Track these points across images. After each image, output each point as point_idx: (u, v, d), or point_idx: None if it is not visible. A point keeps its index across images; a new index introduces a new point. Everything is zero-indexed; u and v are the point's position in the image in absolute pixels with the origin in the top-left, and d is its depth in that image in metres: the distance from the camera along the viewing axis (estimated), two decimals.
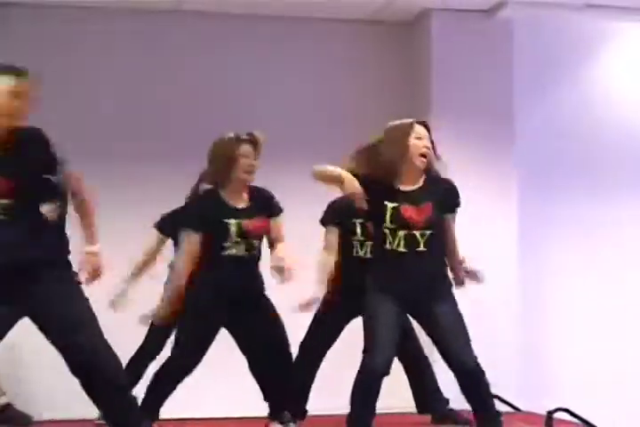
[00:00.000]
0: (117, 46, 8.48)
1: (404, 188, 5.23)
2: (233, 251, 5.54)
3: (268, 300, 5.75)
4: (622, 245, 8.58)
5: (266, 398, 5.77)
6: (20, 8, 8.14)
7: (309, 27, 8.52)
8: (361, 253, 6.25)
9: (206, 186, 5.95)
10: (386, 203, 5.15)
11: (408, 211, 5.14)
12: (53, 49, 8.25)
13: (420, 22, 8.39)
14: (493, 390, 5.54)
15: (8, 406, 7.04)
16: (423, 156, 5.16)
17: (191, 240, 5.58)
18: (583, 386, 7.80)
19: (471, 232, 6.90)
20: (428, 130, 5.27)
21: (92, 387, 4.76)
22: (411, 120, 5.26)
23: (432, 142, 5.25)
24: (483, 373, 5.14)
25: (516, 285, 8.12)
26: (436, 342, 5.28)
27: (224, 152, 5.70)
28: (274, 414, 5.76)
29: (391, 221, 5.13)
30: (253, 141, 5.77)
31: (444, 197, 5.30)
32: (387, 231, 5.17)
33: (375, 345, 5.16)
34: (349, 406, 5.14)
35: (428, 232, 5.17)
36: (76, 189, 4.83)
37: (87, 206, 5.03)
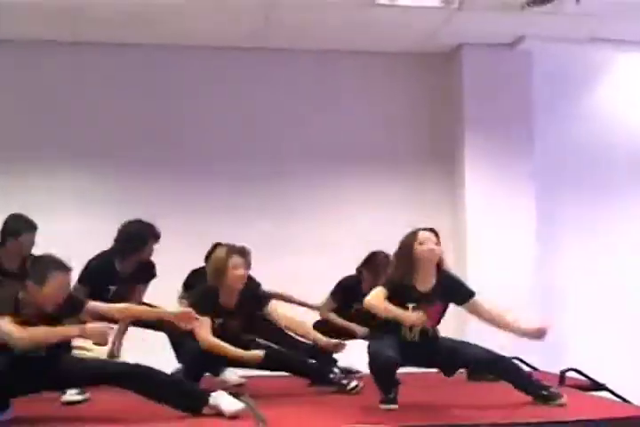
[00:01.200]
0: (199, 83, 8.89)
1: (420, 288, 5.59)
2: None
3: None
4: (623, 235, 8.98)
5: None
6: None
7: (366, 58, 8.95)
8: None
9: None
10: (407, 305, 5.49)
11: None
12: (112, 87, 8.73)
13: (454, 54, 8.89)
14: (516, 353, 6.20)
15: None
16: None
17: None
18: (594, 351, 7.98)
19: (496, 225, 7.93)
20: (436, 233, 5.62)
21: None
22: (415, 229, 5.64)
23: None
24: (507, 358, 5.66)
25: (534, 265, 8.47)
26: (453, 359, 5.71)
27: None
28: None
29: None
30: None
31: (454, 291, 5.71)
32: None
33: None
34: None
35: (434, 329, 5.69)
36: None
37: None
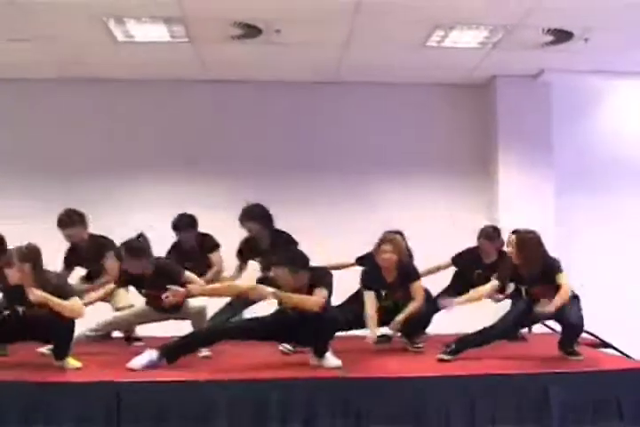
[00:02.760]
0: (268, 115, 8.85)
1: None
2: None
3: None
4: (628, 221, 8.85)
5: None
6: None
7: (419, 88, 8.95)
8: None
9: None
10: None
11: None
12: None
13: (489, 84, 8.91)
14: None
15: None
16: None
17: None
18: (605, 317, 7.26)
19: (523, 217, 7.73)
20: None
21: None
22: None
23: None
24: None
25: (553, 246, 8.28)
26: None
27: None
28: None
29: None
30: None
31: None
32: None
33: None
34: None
35: None
36: None
37: None
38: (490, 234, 6.73)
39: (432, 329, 6.46)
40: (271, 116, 8.81)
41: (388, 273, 6.18)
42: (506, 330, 5.82)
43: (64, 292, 5.20)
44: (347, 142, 8.76)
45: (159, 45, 7.64)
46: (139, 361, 5.22)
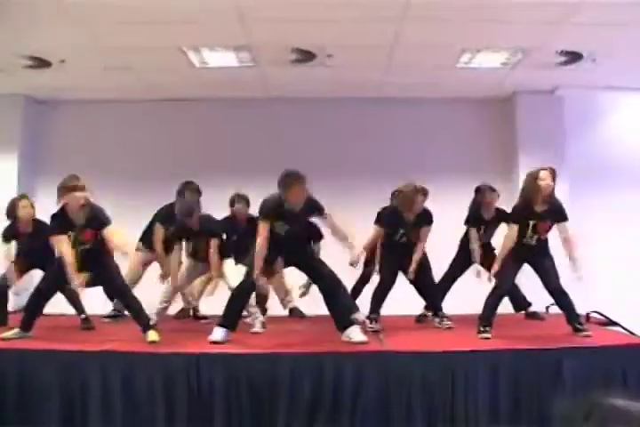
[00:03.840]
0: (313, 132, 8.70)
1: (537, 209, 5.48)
2: None
3: None
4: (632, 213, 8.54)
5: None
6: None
7: (450, 103, 8.81)
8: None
9: None
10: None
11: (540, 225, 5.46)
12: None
13: (510, 99, 8.80)
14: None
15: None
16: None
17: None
18: (612, 298, 7.27)
19: None
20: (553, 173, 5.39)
21: None
22: (538, 169, 5.47)
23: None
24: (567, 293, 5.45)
25: None
26: (542, 278, 5.54)
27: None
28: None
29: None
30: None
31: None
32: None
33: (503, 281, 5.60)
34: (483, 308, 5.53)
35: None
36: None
37: None
38: (493, 189, 6.75)
39: (457, 309, 6.45)
40: (322, 127, 8.75)
41: (409, 214, 6.16)
42: (508, 284, 5.71)
43: None
44: (387, 150, 8.66)
45: (229, 70, 7.75)
46: (216, 335, 5.24)
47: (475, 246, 6.51)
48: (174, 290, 6.23)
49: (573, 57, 7.37)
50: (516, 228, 5.54)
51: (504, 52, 7.27)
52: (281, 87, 8.45)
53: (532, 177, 5.45)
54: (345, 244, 5.42)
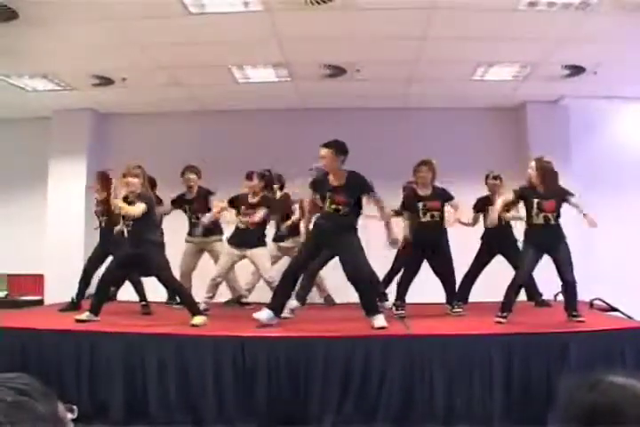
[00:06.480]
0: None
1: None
2: None
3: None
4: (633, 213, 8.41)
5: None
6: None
7: (466, 111, 8.79)
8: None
9: None
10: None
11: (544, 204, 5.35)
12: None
13: (521, 108, 8.72)
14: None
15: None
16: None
17: None
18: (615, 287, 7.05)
19: None
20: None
21: None
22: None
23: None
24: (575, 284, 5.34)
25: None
26: (558, 268, 5.40)
27: None
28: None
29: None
30: None
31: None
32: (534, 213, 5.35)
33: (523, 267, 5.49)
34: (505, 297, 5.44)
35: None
36: None
37: None
38: (495, 176, 6.83)
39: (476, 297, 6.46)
40: (351, 135, 8.17)
41: (424, 189, 6.08)
42: (527, 274, 5.61)
43: None
44: (409, 155, 8.32)
45: (268, 84, 7.80)
46: (260, 315, 5.22)
47: (493, 215, 6.16)
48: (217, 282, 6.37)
49: (576, 70, 7.34)
50: (512, 195, 5.61)
51: (515, 66, 7.28)
52: (314, 99, 8.45)
53: (544, 161, 5.57)
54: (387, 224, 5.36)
